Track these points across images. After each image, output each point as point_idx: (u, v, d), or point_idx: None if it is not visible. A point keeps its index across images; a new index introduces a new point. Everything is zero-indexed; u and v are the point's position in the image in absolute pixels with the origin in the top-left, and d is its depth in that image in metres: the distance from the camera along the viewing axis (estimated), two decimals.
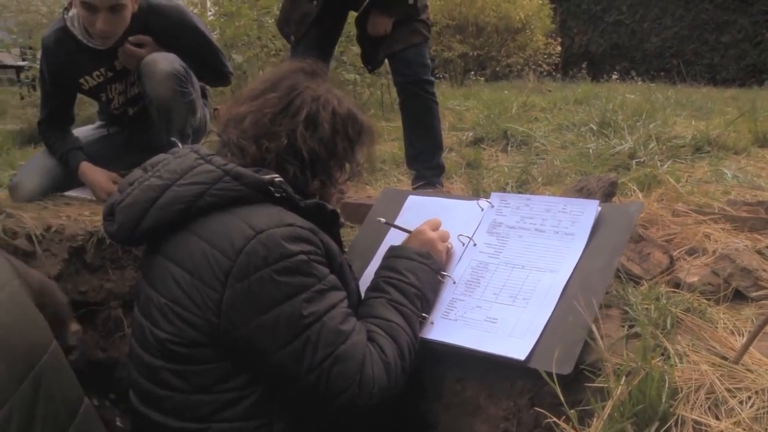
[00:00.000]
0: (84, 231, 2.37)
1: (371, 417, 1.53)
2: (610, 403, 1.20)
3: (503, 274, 1.67)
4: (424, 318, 1.63)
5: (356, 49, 5.76)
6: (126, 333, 2.40)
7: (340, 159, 1.64)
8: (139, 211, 1.50)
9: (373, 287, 1.65)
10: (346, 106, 1.64)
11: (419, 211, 1.90)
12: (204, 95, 3.10)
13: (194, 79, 2.85)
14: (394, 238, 1.83)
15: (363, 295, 1.66)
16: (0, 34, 6.11)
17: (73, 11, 2.73)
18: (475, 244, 1.76)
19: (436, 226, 1.79)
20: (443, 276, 1.71)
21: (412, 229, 1.78)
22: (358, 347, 1.45)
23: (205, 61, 2.89)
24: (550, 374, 1.33)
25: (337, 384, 1.41)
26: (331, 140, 1.59)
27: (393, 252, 1.72)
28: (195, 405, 1.47)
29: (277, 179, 1.50)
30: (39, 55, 5.84)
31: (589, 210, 1.67)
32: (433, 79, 2.90)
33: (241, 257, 1.39)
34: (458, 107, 5.57)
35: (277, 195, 1.50)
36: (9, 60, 7.40)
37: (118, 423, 2.43)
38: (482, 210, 1.84)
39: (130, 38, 2.73)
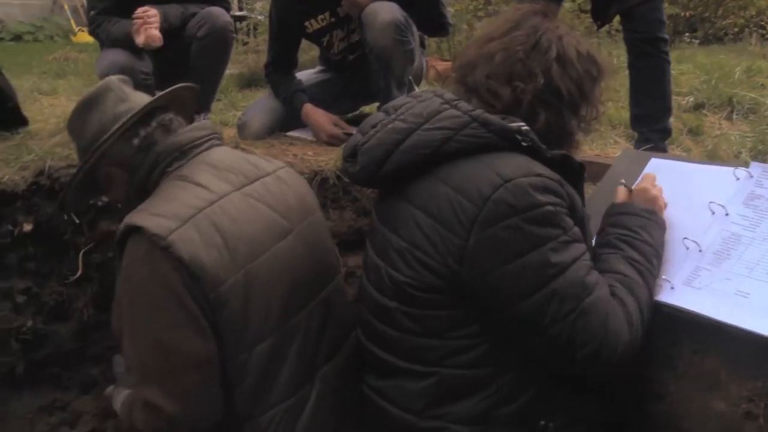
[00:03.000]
0: (309, 170, 2.46)
1: (601, 376, 1.50)
2: None
3: (759, 249, 1.53)
4: (666, 281, 1.55)
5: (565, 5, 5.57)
6: (341, 271, 2.49)
7: (588, 101, 1.57)
8: (383, 153, 1.52)
9: (605, 244, 1.59)
10: (585, 47, 1.58)
11: (664, 175, 1.78)
12: (422, 45, 3.11)
13: (414, 28, 2.86)
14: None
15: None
16: None
17: None
18: (727, 214, 1.64)
19: (654, 182, 1.72)
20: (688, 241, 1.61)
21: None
22: (602, 300, 1.40)
23: (426, 11, 2.88)
24: None
25: (581, 337, 1.38)
26: (580, 80, 1.54)
27: (618, 209, 1.65)
28: (425, 348, 1.50)
29: (524, 128, 1.46)
30: (256, 6, 6.19)
31: None
32: (667, 37, 2.72)
33: (488, 204, 1.37)
34: (672, 71, 5.21)
35: (524, 144, 1.45)
36: None
37: None
38: (737, 179, 1.70)
39: None
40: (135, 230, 1.48)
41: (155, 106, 1.69)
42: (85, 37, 8.08)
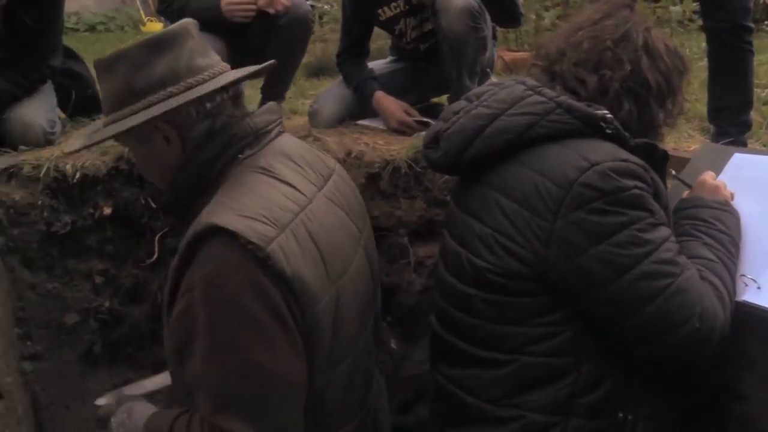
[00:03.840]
0: (381, 159, 2.47)
1: (686, 368, 1.49)
2: None
3: None
4: (752, 281, 1.51)
5: None
6: (410, 261, 2.50)
7: (675, 95, 1.57)
8: (466, 138, 1.53)
9: (682, 233, 1.56)
10: (671, 42, 1.60)
11: (749, 171, 1.73)
12: (494, 37, 3.08)
13: (487, 16, 2.83)
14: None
15: None
16: None
17: None
18: None
19: (714, 177, 1.71)
20: None
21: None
22: (695, 279, 1.39)
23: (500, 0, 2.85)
24: None
25: (678, 315, 1.36)
26: (669, 73, 1.54)
27: (688, 203, 1.64)
28: (505, 336, 1.49)
29: (608, 116, 1.46)
30: None
31: None
32: (752, 25, 2.60)
33: (575, 187, 1.37)
34: None
35: (608, 131, 1.45)
36: None
37: (392, 345, 2.57)
38: None
39: None
40: (220, 231, 1.27)
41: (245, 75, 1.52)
42: (153, 26, 8.26)
